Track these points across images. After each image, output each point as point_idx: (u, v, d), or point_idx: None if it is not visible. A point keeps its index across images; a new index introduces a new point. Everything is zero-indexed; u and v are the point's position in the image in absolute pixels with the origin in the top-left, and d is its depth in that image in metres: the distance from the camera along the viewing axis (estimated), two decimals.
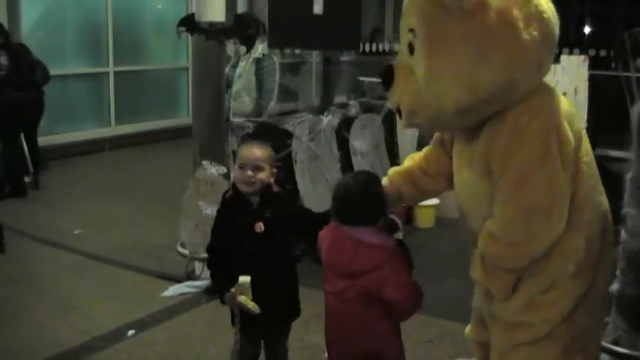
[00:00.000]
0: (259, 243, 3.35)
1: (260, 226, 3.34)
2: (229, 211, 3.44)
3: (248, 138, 5.94)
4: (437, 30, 2.90)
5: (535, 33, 2.80)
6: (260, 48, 6.12)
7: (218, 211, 3.55)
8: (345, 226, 3.03)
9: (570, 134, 2.87)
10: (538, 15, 2.86)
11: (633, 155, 3.63)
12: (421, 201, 3.84)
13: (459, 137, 3.18)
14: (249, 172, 3.31)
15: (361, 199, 3.01)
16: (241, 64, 6.01)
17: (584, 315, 3.01)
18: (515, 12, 2.81)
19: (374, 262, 2.96)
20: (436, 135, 3.51)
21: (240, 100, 5.98)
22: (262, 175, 3.33)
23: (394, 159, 8.30)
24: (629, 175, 3.65)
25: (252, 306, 3.14)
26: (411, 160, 3.51)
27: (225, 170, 5.51)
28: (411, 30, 2.98)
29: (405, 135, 8.61)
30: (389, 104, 3.14)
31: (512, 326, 3.04)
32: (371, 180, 3.10)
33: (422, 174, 3.44)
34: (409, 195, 3.48)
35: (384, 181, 3.41)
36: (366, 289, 2.96)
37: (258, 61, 6.00)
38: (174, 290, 5.40)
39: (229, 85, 6.16)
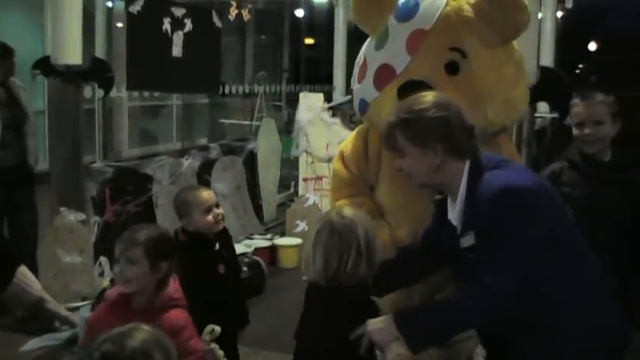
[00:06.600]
0: (221, 285, 3.44)
1: (222, 268, 3.45)
2: (189, 256, 3.36)
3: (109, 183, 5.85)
4: (491, 54, 3.14)
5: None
6: None
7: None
8: None
9: None
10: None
11: None
12: None
13: None
14: (219, 210, 3.42)
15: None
16: None
17: None
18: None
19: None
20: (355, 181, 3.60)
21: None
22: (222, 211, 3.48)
23: (256, 200, 8.34)
24: None
25: (221, 354, 3.05)
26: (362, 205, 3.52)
27: (83, 217, 5.39)
28: (456, 49, 3.11)
29: (267, 177, 8.67)
30: None
31: None
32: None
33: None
34: None
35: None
36: None
37: None
38: (33, 344, 5.19)
39: None
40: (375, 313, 2.69)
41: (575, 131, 3.45)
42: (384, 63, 3.35)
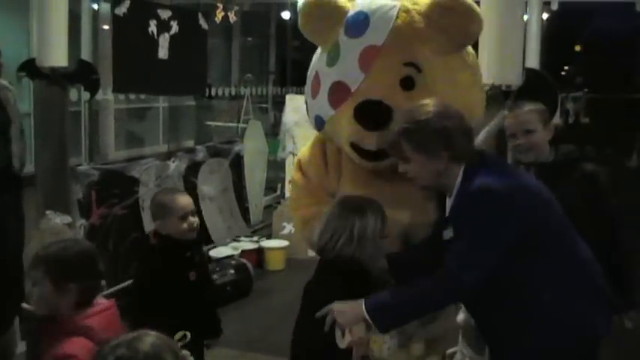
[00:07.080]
0: (191, 291, 3.39)
1: (193, 275, 3.41)
2: (159, 260, 3.39)
3: (95, 186, 5.81)
4: (445, 63, 3.13)
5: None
6: None
7: (145, 263, 3.50)
8: None
9: None
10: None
11: None
12: None
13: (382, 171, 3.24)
14: (194, 218, 3.37)
15: None
16: None
17: None
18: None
19: None
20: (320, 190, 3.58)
21: None
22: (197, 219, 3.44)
23: (243, 203, 8.33)
24: None
25: None
26: None
27: (70, 220, 5.35)
28: (410, 64, 3.09)
29: (253, 179, 8.67)
30: (377, 145, 3.08)
31: None
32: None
33: None
34: None
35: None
36: None
37: None
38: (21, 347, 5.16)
39: None
40: (366, 286, 2.82)
41: (508, 143, 3.56)
42: (338, 80, 3.26)
